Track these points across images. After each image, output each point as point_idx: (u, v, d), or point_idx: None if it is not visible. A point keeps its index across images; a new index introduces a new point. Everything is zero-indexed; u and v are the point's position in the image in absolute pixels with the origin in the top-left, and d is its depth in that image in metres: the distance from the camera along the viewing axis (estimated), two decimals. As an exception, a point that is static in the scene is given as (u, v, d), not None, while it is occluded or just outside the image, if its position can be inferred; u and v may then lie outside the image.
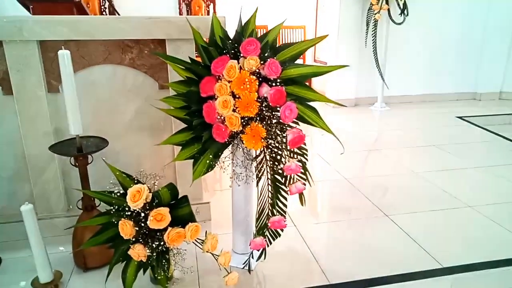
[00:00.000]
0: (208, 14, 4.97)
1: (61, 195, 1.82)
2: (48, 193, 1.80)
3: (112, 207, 1.33)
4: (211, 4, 5.01)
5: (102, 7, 4.59)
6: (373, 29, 4.15)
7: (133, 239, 1.30)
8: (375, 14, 4.06)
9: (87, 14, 3.78)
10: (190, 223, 1.36)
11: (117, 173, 1.36)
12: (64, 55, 1.39)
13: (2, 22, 1.54)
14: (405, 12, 4.09)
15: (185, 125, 1.45)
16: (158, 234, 1.31)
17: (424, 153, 3.05)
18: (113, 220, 1.32)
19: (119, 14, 4.45)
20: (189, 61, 1.43)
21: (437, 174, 2.59)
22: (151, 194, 1.32)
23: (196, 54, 1.65)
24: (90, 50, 1.70)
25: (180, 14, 5.01)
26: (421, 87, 4.69)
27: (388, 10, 4.04)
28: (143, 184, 1.32)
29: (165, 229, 1.31)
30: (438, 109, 4.41)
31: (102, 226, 1.36)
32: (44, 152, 1.72)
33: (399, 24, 4.14)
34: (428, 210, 2.11)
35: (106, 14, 4.63)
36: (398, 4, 4.04)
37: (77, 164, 1.50)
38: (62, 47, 1.40)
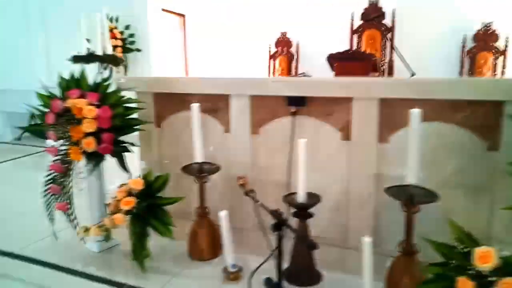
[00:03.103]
0: (383, 46, 4.65)
1: (370, 232, 2.02)
2: (360, 228, 2.04)
3: (451, 261, 1.37)
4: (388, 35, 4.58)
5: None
6: None
7: (474, 300, 1.29)
8: None
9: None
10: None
11: (459, 230, 1.40)
12: (416, 113, 1.59)
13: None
14: None
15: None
16: (502, 303, 1.26)
17: None
18: (451, 274, 1.36)
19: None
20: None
21: None
22: (500, 260, 1.28)
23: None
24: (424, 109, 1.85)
25: (351, 46, 4.87)
26: None
27: None
28: (491, 248, 1.31)
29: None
30: None
31: (434, 276, 1.42)
32: (364, 192, 1.99)
33: None
34: None
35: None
36: None
37: (406, 210, 1.65)
38: (414, 107, 1.60)
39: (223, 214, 1.88)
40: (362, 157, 1.98)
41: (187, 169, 2.12)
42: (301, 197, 1.87)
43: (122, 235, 2.10)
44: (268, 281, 1.88)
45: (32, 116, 5.68)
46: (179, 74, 5.89)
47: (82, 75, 2.03)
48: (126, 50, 4.88)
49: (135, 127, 2.14)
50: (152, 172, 2.07)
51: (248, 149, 2.23)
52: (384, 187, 1.95)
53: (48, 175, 2.06)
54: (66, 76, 2.11)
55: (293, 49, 5.30)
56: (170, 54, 5.64)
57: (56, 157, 2.01)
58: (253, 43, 5.45)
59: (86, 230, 2.12)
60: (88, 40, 2.88)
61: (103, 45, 2.93)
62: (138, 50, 5.02)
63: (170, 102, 2.39)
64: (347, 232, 2.09)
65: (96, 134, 1.97)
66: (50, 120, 1.92)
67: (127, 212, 1.93)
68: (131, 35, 4.96)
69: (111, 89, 2.10)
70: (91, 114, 1.91)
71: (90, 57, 2.82)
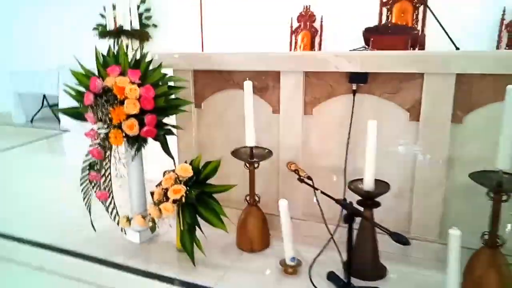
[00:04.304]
0: (415, 19, 4.37)
1: (437, 221, 1.86)
2: (426, 217, 1.87)
3: None
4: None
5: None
6: None
7: None
8: None
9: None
10: None
11: None
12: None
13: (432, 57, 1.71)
14: None
15: None
16: None
17: None
18: None
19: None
20: None
21: None
22: None
23: None
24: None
25: (380, 20, 4.55)
26: None
27: None
28: None
29: None
30: None
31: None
32: (433, 178, 1.81)
33: None
34: None
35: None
36: None
37: (493, 198, 1.48)
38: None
39: (283, 204, 1.71)
40: (433, 139, 1.80)
41: (236, 153, 1.94)
42: (368, 185, 1.69)
43: (163, 225, 1.94)
44: (332, 275, 1.74)
45: (44, 97, 5.48)
46: (195, 50, 5.62)
47: (122, 50, 1.82)
48: (142, 25, 4.61)
49: (179, 108, 1.94)
50: (200, 158, 1.89)
51: (300, 131, 2.04)
52: (455, 173, 1.79)
53: (86, 161, 1.89)
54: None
55: (316, 24, 5.01)
56: (186, 29, 5.36)
57: (95, 142, 1.83)
58: (273, 17, 5.16)
59: (128, 220, 1.96)
60: (114, 6, 2.64)
61: (131, 20, 2.71)
62: (155, 25, 4.75)
63: (212, 80, 2.19)
64: (410, 221, 1.93)
65: (138, 116, 1.78)
66: (89, 100, 1.73)
67: (175, 201, 1.76)
68: (147, 10, 4.69)
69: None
70: (134, 94, 1.71)
71: (119, 32, 2.61)
